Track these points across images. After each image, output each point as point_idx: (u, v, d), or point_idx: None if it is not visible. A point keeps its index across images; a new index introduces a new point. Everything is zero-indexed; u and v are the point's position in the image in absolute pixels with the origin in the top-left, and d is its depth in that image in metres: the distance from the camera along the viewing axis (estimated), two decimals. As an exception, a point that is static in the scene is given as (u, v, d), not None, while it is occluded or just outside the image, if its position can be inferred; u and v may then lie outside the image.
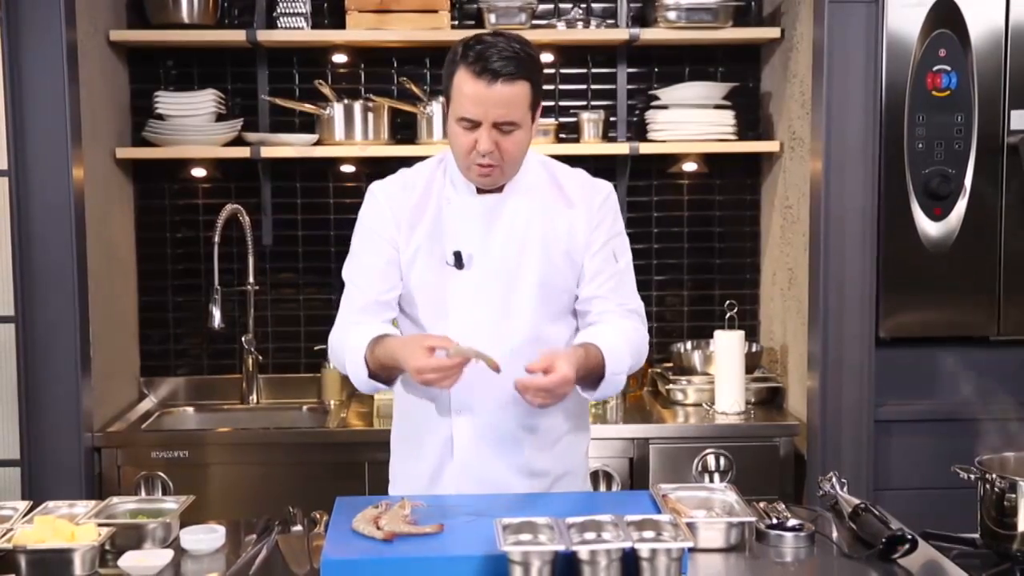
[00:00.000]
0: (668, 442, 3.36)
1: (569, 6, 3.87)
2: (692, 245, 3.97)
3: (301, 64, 3.85)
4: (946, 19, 3.20)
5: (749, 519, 2.10)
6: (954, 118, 3.22)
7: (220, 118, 3.72)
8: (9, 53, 3.09)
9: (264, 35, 3.59)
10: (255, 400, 3.80)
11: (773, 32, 3.64)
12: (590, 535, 1.86)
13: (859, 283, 3.25)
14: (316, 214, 3.88)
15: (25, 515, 2.20)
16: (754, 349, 3.74)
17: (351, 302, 2.36)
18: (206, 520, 2.24)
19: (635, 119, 3.90)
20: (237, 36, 3.58)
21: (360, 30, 3.60)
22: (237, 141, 3.69)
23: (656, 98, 3.77)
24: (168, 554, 2.06)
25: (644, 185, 3.92)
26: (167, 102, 3.67)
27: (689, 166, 3.91)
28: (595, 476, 3.28)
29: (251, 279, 3.78)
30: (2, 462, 3.19)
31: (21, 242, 3.13)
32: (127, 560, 2.02)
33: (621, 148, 3.70)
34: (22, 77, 3.11)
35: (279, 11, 3.65)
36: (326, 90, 3.63)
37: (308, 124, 3.78)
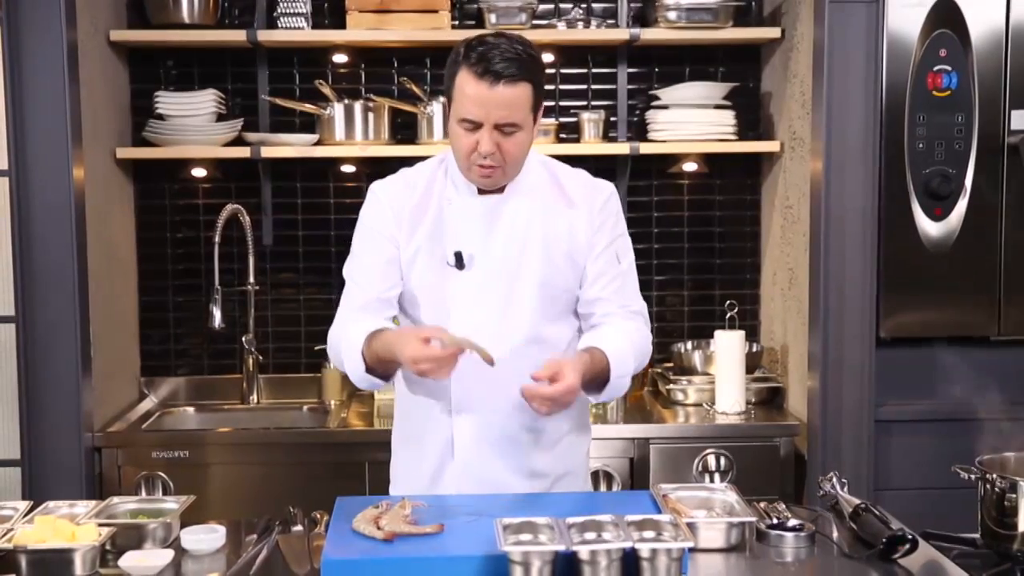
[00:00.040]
0: (668, 442, 3.36)
1: (569, 6, 3.87)
2: (692, 245, 3.97)
3: (301, 64, 3.85)
4: (946, 19, 3.20)
5: (749, 519, 2.10)
6: (954, 118, 3.22)
7: (220, 118, 3.73)
8: (9, 53, 3.09)
9: (264, 35, 3.59)
10: (255, 400, 3.80)
11: (773, 32, 3.65)
12: (590, 535, 1.86)
13: (859, 283, 3.25)
14: (316, 214, 3.88)
15: (26, 515, 2.20)
16: (754, 349, 3.74)
17: (351, 300, 2.36)
18: (206, 520, 2.24)
19: (635, 119, 3.90)
20: (237, 36, 3.58)
21: (360, 30, 3.60)
22: (237, 141, 3.69)
23: (656, 98, 3.77)
24: (168, 554, 2.06)
25: (644, 185, 3.92)
26: (167, 102, 3.67)
27: (689, 166, 3.91)
28: (595, 476, 3.28)
29: (251, 279, 3.78)
30: (3, 462, 3.19)
31: (21, 242, 3.14)
32: (128, 560, 2.02)
33: (621, 148, 3.70)
34: (22, 77, 3.11)
35: (279, 11, 3.65)
36: (326, 90, 3.63)
37: (308, 124, 3.78)
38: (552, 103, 3.88)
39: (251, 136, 3.67)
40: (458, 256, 2.31)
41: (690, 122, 3.67)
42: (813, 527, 2.14)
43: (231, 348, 3.86)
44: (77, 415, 3.20)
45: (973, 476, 2.19)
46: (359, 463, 3.27)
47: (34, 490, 3.13)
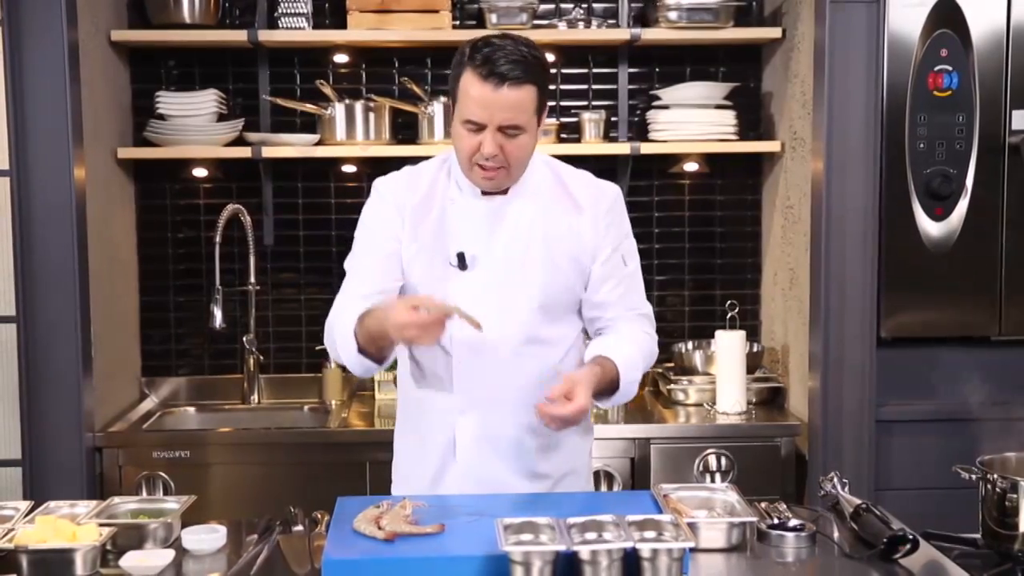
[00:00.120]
0: (669, 442, 3.36)
1: (570, 6, 3.87)
2: (693, 245, 3.97)
3: (302, 64, 3.85)
4: (947, 19, 3.19)
5: (750, 519, 2.10)
6: (955, 118, 3.22)
7: (221, 118, 3.73)
8: (10, 53, 3.09)
9: (265, 35, 3.59)
10: (256, 400, 3.80)
11: (774, 32, 3.65)
12: (591, 535, 1.86)
13: (860, 283, 3.25)
14: (317, 214, 3.88)
15: (26, 515, 2.20)
16: (755, 349, 3.74)
17: (351, 290, 2.33)
18: (207, 520, 2.24)
19: (636, 119, 3.90)
20: (238, 36, 3.58)
21: (361, 30, 3.60)
22: (238, 141, 3.69)
23: (657, 98, 3.77)
24: (169, 554, 2.06)
25: (645, 185, 3.92)
26: (168, 102, 3.67)
27: (690, 166, 3.91)
28: (596, 476, 3.28)
29: (252, 279, 3.78)
30: (3, 462, 3.19)
31: (22, 242, 3.14)
32: (128, 560, 2.02)
33: (622, 148, 3.70)
34: (23, 77, 3.11)
35: (280, 11, 3.65)
36: (327, 90, 3.63)
37: (309, 124, 3.78)
38: (553, 103, 3.87)
39: (252, 136, 3.67)
40: (460, 257, 2.31)
41: (691, 122, 3.67)
42: (814, 527, 2.14)
43: (232, 348, 3.86)
44: (78, 415, 3.20)
45: (974, 476, 2.19)
46: (360, 463, 3.27)
47: (35, 490, 3.13)
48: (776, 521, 2.13)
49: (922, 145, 3.22)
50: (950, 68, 3.21)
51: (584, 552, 1.79)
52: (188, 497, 2.28)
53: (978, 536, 2.21)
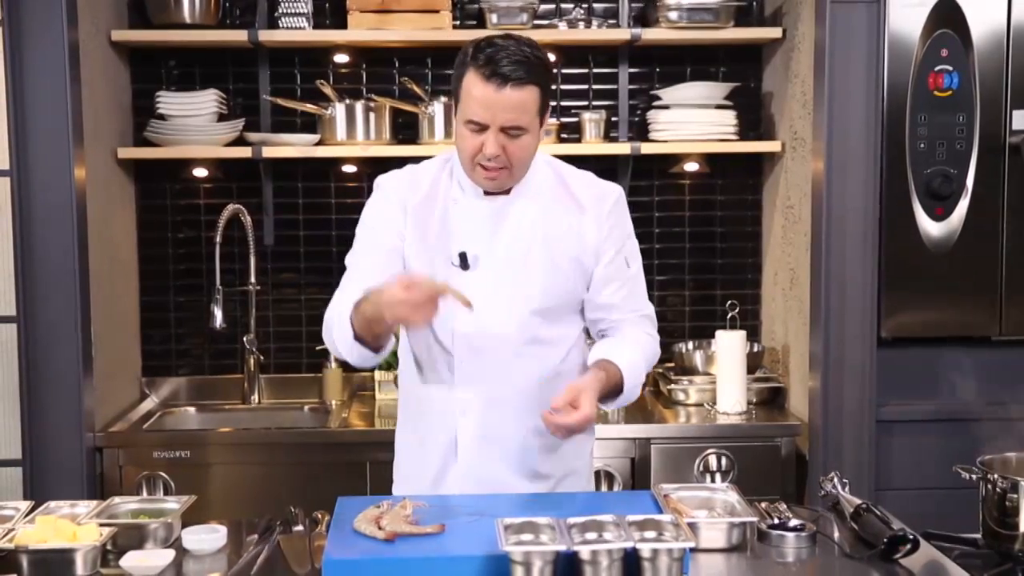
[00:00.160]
0: (670, 442, 3.36)
1: (571, 6, 3.87)
2: (694, 245, 3.97)
3: (303, 64, 3.85)
4: (948, 19, 3.19)
5: (751, 519, 2.10)
6: (956, 118, 3.22)
7: (222, 118, 3.73)
8: (11, 53, 3.09)
9: (266, 35, 3.59)
10: (256, 400, 3.80)
11: (775, 32, 3.65)
12: (591, 535, 1.86)
13: (861, 283, 3.25)
14: (318, 214, 3.88)
15: (27, 515, 2.20)
16: (755, 349, 3.74)
17: (350, 284, 2.32)
18: (208, 520, 2.24)
19: (637, 119, 3.90)
20: (239, 36, 3.58)
21: (361, 30, 3.60)
22: (239, 141, 3.69)
23: (658, 98, 3.77)
24: (170, 554, 2.06)
25: (646, 185, 3.92)
26: (169, 102, 3.67)
27: (691, 166, 3.91)
28: (597, 476, 3.28)
29: (252, 279, 3.78)
30: (4, 462, 3.19)
31: (23, 242, 3.14)
32: (129, 560, 2.02)
33: (623, 148, 3.70)
34: (24, 77, 3.11)
35: (280, 11, 3.65)
36: (328, 90, 3.63)
37: (310, 124, 3.78)
38: (553, 103, 3.87)
39: (252, 136, 3.67)
40: (462, 256, 2.30)
41: (691, 122, 3.67)
42: (814, 527, 2.14)
43: (232, 348, 3.86)
44: (78, 415, 3.20)
45: (974, 476, 2.19)
46: (360, 463, 3.27)
47: (35, 490, 3.13)
48: (776, 521, 2.13)
49: (922, 145, 3.22)
50: (950, 68, 3.21)
51: (584, 552, 1.79)
52: (188, 497, 2.28)
53: (978, 536, 2.21)
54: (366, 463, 3.26)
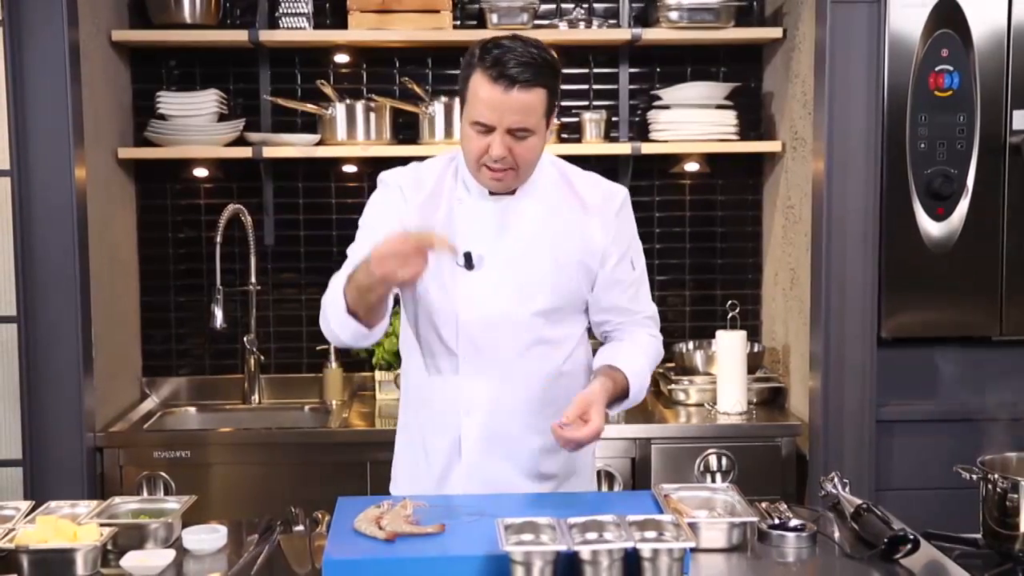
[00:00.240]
0: (670, 442, 3.36)
1: (571, 6, 3.87)
2: (694, 245, 3.97)
3: (303, 64, 3.85)
4: (948, 19, 3.19)
5: (751, 519, 2.10)
6: (956, 118, 3.22)
7: (222, 118, 3.73)
8: (11, 53, 3.09)
9: (266, 35, 3.59)
10: (257, 400, 3.80)
11: (775, 32, 3.64)
12: (592, 535, 1.86)
13: (861, 283, 3.25)
14: (318, 214, 3.88)
15: (27, 515, 2.20)
16: (756, 349, 3.74)
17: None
18: (208, 520, 2.24)
19: (637, 119, 3.90)
20: (239, 36, 3.58)
21: (362, 30, 3.60)
22: (239, 141, 3.69)
23: (658, 98, 3.77)
24: (170, 554, 2.06)
25: (646, 185, 3.92)
26: (169, 102, 3.67)
27: (691, 166, 3.91)
28: (597, 476, 3.28)
29: (253, 279, 3.78)
30: (4, 462, 3.19)
31: (23, 242, 3.14)
32: (129, 560, 2.02)
33: (623, 148, 3.70)
34: (24, 77, 3.11)
35: (281, 11, 3.65)
36: (328, 90, 3.63)
37: (310, 124, 3.78)
38: (555, 103, 3.88)
39: (253, 136, 3.67)
40: (467, 256, 2.30)
41: (692, 122, 3.67)
42: (815, 527, 2.14)
43: (232, 348, 3.86)
44: (79, 415, 3.20)
45: (975, 476, 2.19)
46: (360, 463, 3.27)
47: (36, 490, 3.13)
48: (777, 521, 2.13)
49: (923, 145, 3.22)
50: (951, 68, 3.21)
51: (585, 552, 1.79)
52: (189, 497, 2.28)
53: (979, 536, 2.21)
54: (366, 463, 3.26)
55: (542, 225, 2.32)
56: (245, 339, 3.79)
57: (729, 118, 3.71)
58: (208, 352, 3.90)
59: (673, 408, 3.57)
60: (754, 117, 3.88)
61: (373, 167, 3.73)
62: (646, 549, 1.80)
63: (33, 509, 2.24)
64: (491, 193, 2.31)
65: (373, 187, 2.43)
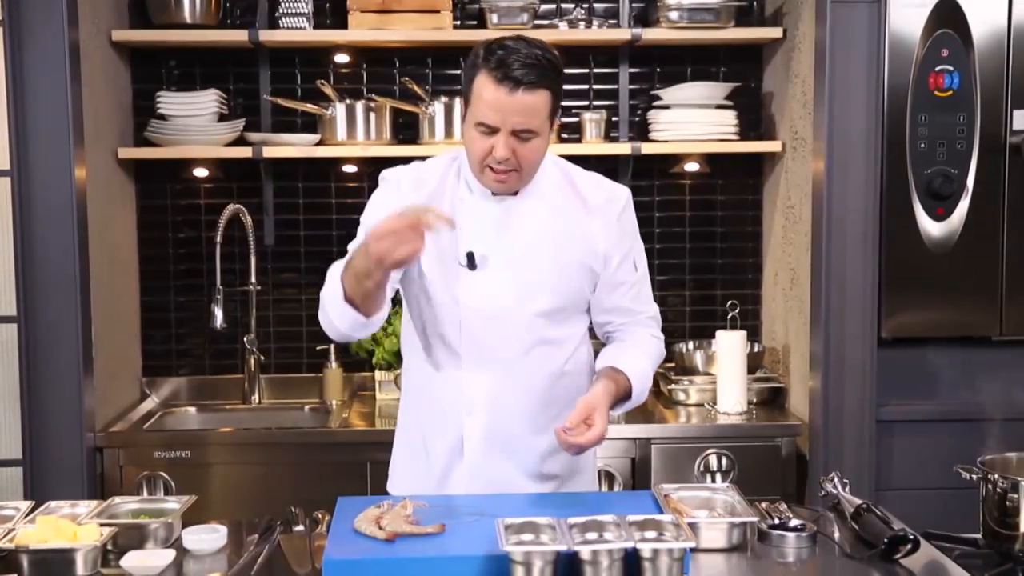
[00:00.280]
0: (670, 442, 3.36)
1: (571, 6, 3.87)
2: (694, 245, 3.97)
3: (303, 64, 3.85)
4: (948, 19, 3.19)
5: (751, 519, 2.10)
6: (956, 118, 3.22)
7: (222, 118, 3.73)
8: (11, 53, 3.09)
9: (266, 35, 3.59)
10: (257, 400, 3.80)
11: (775, 32, 3.64)
12: (592, 535, 1.86)
13: (861, 283, 3.25)
14: (318, 214, 3.88)
15: (27, 515, 2.20)
16: (756, 349, 3.74)
17: None
18: (208, 520, 2.24)
19: (637, 119, 3.90)
20: (239, 36, 3.58)
21: (362, 30, 3.60)
22: (239, 141, 3.69)
23: (658, 98, 3.77)
24: (170, 554, 2.06)
25: (646, 185, 3.92)
26: (169, 102, 3.67)
27: (691, 166, 3.91)
28: (597, 476, 3.27)
29: (253, 279, 3.78)
30: (4, 462, 3.19)
31: (23, 242, 3.14)
32: (129, 560, 2.02)
33: (623, 148, 3.70)
34: (24, 77, 3.11)
35: (281, 11, 3.65)
36: (328, 90, 3.63)
37: (310, 124, 3.78)
38: (556, 103, 3.88)
39: (253, 136, 3.67)
40: (470, 256, 2.30)
41: (692, 122, 3.67)
42: (815, 527, 2.14)
43: (232, 348, 3.86)
44: (79, 415, 3.20)
45: (975, 476, 2.19)
46: (360, 463, 3.27)
47: (36, 490, 3.13)
48: (777, 521, 2.13)
49: (923, 145, 3.22)
50: (951, 68, 3.21)
51: (585, 552, 1.79)
52: (189, 497, 2.28)
53: (979, 536, 2.21)
54: (366, 463, 3.26)
55: (544, 225, 2.32)
56: (245, 339, 3.79)
57: (729, 118, 3.71)
58: (208, 352, 3.90)
59: (673, 408, 3.57)
60: (754, 117, 3.89)
61: (373, 167, 3.73)
62: (646, 549, 1.80)
63: (33, 509, 2.24)
64: (494, 193, 2.31)
65: (373, 187, 2.42)
